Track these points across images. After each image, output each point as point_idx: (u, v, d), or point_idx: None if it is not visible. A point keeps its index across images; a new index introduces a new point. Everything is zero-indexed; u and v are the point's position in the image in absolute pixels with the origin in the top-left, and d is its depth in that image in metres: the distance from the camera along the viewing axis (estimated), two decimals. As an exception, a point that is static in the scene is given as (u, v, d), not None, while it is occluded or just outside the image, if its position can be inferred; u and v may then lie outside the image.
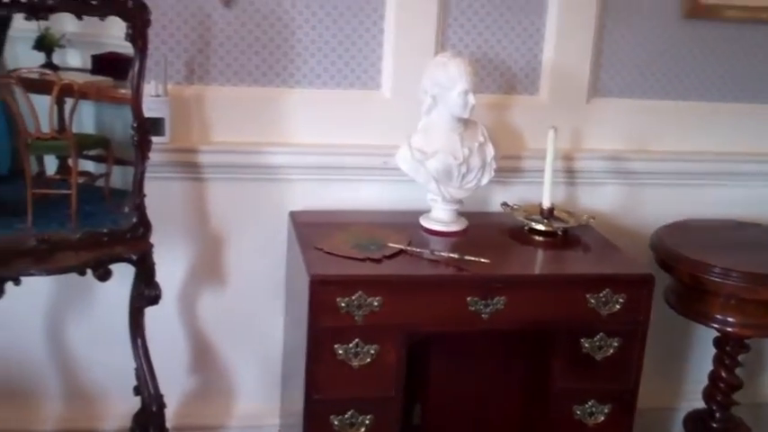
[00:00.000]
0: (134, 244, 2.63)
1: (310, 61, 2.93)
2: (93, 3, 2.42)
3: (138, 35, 2.50)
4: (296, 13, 2.88)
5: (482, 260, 2.57)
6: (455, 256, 2.61)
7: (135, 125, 2.56)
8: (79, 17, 2.44)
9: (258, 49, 2.89)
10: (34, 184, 2.59)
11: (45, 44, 2.60)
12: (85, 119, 2.70)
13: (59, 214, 2.62)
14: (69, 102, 2.60)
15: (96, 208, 2.68)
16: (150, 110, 2.71)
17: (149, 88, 2.75)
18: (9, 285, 2.39)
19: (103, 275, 2.55)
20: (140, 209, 2.63)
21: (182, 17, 2.83)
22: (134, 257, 2.61)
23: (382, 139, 2.94)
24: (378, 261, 2.60)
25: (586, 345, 2.65)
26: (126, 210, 2.64)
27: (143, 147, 2.59)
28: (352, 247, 2.67)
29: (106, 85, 2.68)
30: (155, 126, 2.74)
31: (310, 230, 2.80)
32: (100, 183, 2.73)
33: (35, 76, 2.59)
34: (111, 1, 2.43)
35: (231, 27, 2.86)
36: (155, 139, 2.68)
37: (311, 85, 2.95)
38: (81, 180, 2.66)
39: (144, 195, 2.62)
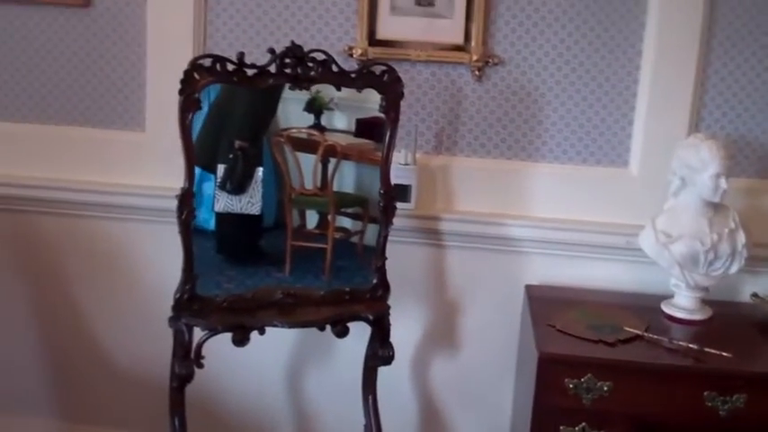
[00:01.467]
0: (372, 304, 2.73)
1: (557, 136, 2.94)
2: (352, 76, 2.58)
3: (391, 107, 2.63)
4: (546, 89, 2.91)
5: (724, 354, 2.44)
6: (695, 346, 2.49)
7: (382, 191, 2.68)
8: (338, 88, 2.61)
9: (506, 123, 2.94)
10: (294, 236, 2.79)
11: (315, 107, 2.77)
12: (346, 178, 2.84)
13: (314, 266, 2.79)
14: (332, 161, 2.77)
15: (349, 263, 2.82)
16: (398, 177, 2.83)
17: (399, 156, 2.87)
18: (254, 334, 2.55)
19: (341, 332, 2.66)
20: (381, 271, 2.74)
21: (435, 90, 2.93)
22: (371, 317, 2.71)
23: (626, 218, 2.89)
24: (611, 344, 2.53)
25: (836, 456, 2.44)
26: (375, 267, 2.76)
27: (388, 212, 2.70)
28: (586, 327, 2.62)
29: (367, 148, 2.80)
30: (402, 192, 2.86)
31: (544, 306, 2.78)
32: (354, 239, 2.86)
33: (303, 135, 2.78)
34: (368, 74, 2.59)
35: (481, 101, 2.93)
36: (401, 204, 2.80)
37: (557, 159, 2.96)
38: (337, 235, 2.82)
39: (385, 258, 2.73)
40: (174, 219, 2.52)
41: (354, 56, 2.89)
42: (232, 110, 2.74)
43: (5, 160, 3.07)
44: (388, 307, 2.74)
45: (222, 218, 2.76)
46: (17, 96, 3.07)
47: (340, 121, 2.82)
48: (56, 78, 3.05)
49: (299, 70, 2.53)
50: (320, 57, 2.54)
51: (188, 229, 2.53)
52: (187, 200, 2.50)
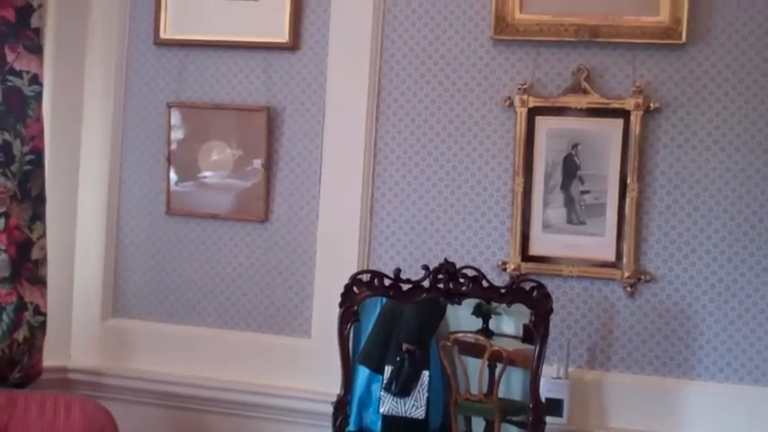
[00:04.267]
0: None
1: (713, 354, 2.91)
2: (502, 291, 2.70)
3: (540, 321, 2.71)
4: (699, 306, 2.91)
5: None
6: None
7: (531, 405, 2.71)
8: (488, 302, 2.73)
9: (660, 340, 2.95)
10: (459, 442, 2.81)
11: (483, 311, 2.88)
12: (513, 384, 2.89)
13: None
14: (499, 366, 2.82)
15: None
16: (550, 390, 2.87)
17: (551, 370, 2.91)
18: None
19: None
20: (530, 486, 2.73)
21: (587, 305, 3.00)
22: None
23: (789, 442, 2.78)
24: None
25: None
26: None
27: (536, 427, 2.72)
28: None
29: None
30: (554, 406, 2.87)
31: None
32: (521, 448, 2.85)
33: (471, 339, 2.87)
34: (516, 291, 2.70)
35: (634, 317, 2.97)
36: (553, 419, 2.81)
37: (713, 378, 2.91)
38: (503, 442, 2.82)
39: (535, 473, 2.72)
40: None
41: (508, 270, 3.02)
42: (401, 313, 2.88)
43: (181, 361, 3.32)
44: None
45: (388, 420, 2.85)
46: (198, 302, 3.36)
47: (508, 325, 2.90)
48: (233, 286, 3.33)
49: (450, 285, 2.68)
50: (471, 273, 2.69)
51: (341, 435, 2.65)
52: (342, 407, 2.64)
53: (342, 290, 2.71)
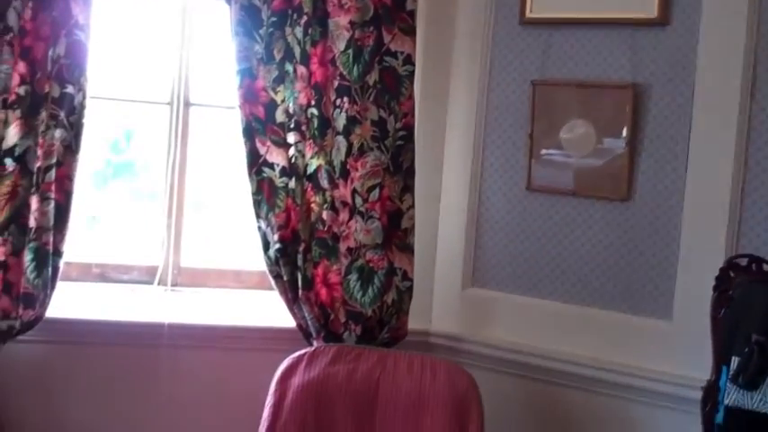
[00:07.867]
0: None
1: None
2: None
3: None
4: None
5: None
6: None
7: None
8: None
9: None
10: None
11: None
12: None
13: None
14: None
15: None
16: None
17: None
18: None
19: None
20: None
21: None
22: None
23: None
24: None
25: None
26: None
27: None
28: None
29: None
30: None
31: None
32: None
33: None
34: None
35: None
36: None
37: None
38: None
39: None
40: (690, 409, 2.59)
41: None
42: (751, 303, 2.75)
43: (536, 333, 3.41)
44: None
45: (732, 412, 2.73)
46: (556, 277, 3.41)
47: None
48: (592, 263, 3.34)
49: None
50: None
51: (710, 423, 2.58)
52: (712, 393, 2.57)
53: (710, 272, 2.63)
